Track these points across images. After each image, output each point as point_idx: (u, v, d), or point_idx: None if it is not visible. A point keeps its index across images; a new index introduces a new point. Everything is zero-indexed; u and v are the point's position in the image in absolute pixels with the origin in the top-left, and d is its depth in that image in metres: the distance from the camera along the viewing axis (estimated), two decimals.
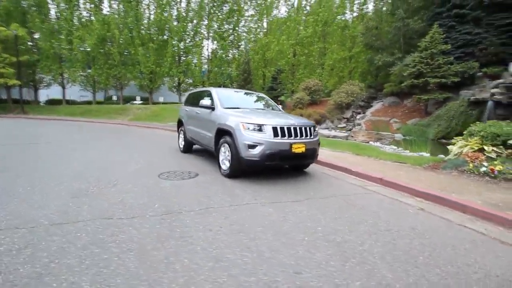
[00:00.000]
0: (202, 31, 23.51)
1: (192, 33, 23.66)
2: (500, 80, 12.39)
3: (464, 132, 5.92)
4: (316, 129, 4.98)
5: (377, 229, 2.81)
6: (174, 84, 24.56)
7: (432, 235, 2.74)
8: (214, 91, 5.71)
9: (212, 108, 5.28)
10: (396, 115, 16.18)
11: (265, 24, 24.03)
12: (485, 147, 5.24)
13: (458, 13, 16.83)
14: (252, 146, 4.17)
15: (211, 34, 23.13)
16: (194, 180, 4.36)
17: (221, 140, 4.74)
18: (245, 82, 17.99)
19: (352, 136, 13.32)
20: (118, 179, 4.21)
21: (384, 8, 18.51)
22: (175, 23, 22.17)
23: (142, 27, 22.39)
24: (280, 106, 6.17)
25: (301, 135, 4.46)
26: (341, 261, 2.17)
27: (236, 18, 22.68)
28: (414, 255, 2.32)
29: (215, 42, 22.73)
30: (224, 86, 24.57)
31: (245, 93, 6.24)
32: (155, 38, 22.43)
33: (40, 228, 2.51)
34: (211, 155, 6.63)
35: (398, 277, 2.00)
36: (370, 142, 9.95)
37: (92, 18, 22.72)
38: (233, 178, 4.49)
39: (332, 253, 2.29)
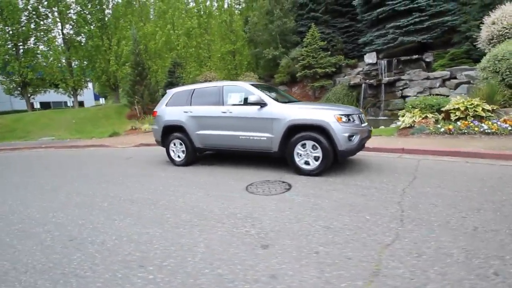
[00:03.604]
0: (48, 12, 17.57)
1: (30, 10, 17.28)
2: (360, 69, 16.97)
3: (406, 105, 8.06)
4: None
5: (487, 180, 3.64)
6: (13, 86, 17.40)
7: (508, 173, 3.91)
8: (249, 85, 4.98)
9: (261, 104, 4.62)
10: None
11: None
12: (428, 115, 7.43)
13: (314, 16, 21.01)
14: (351, 137, 4.16)
15: (66, 15, 17.64)
16: (303, 187, 3.85)
17: (297, 137, 4.33)
18: (140, 77, 15.37)
19: None
20: (228, 210, 3.12)
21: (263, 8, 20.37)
22: None
23: None
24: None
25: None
26: None
27: None
28: None
29: (75, 26, 17.57)
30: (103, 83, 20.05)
31: (264, 86, 5.71)
32: None
33: None
34: (229, 160, 5.78)
35: None
36: None
37: None
38: (318, 175, 4.29)
39: None
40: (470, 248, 2.09)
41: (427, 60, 14.84)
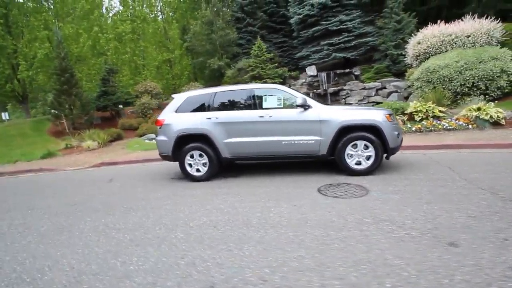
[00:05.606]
0: None
1: None
2: (302, 80, 18.37)
3: None
4: None
5: (508, 164, 4.51)
6: None
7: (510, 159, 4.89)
8: (287, 87, 4.75)
9: (306, 107, 4.46)
10: None
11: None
12: (397, 117, 8.57)
13: (251, 30, 21.86)
14: (398, 135, 4.41)
15: None
16: (377, 186, 3.85)
17: (348, 138, 4.32)
18: (68, 86, 12.76)
19: None
20: (346, 217, 2.86)
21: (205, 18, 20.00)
22: None
23: None
24: None
25: None
26: None
27: None
28: None
29: None
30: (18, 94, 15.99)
31: (294, 89, 5.50)
32: None
33: None
34: (246, 169, 5.31)
35: None
36: None
37: None
38: (369, 174, 4.39)
39: None
40: None
41: (356, 73, 17.20)
